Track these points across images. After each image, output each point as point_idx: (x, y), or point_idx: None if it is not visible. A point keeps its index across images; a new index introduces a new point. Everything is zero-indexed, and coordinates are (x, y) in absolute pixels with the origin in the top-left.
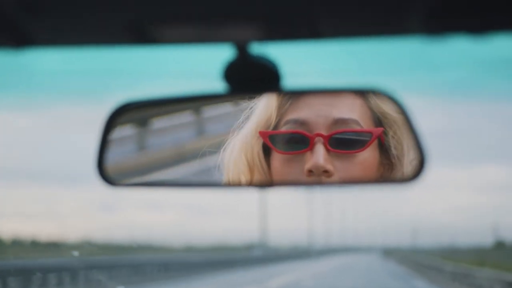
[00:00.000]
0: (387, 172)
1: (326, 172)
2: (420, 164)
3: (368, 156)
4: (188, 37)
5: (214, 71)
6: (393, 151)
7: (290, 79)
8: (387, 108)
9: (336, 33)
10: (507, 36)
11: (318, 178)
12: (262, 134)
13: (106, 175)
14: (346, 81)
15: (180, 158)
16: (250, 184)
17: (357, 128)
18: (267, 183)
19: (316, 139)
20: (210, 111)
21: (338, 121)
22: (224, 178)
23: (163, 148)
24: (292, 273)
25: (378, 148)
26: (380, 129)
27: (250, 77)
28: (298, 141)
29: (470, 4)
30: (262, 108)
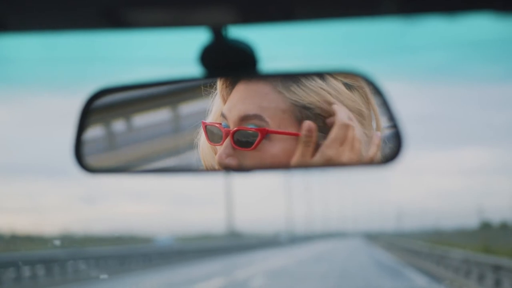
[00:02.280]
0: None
1: (230, 165)
2: (397, 147)
3: (279, 150)
4: (163, 21)
5: (190, 55)
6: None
7: (267, 63)
8: (311, 98)
9: (312, 15)
10: (482, 15)
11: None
12: (203, 123)
13: (83, 162)
14: (324, 64)
15: (160, 151)
16: (214, 169)
17: (260, 122)
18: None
19: (226, 133)
20: (189, 107)
21: (244, 118)
22: (198, 165)
23: (140, 141)
24: (248, 268)
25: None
26: (265, 129)
27: (226, 61)
28: (219, 134)
29: None
30: (216, 100)
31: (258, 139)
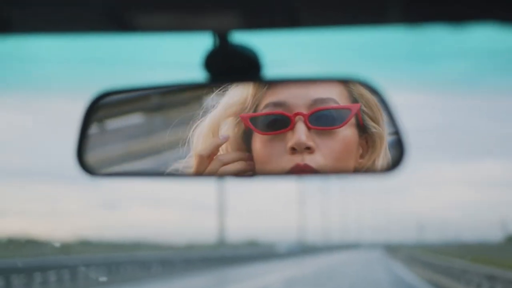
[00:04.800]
0: (365, 154)
1: (308, 148)
2: (399, 156)
3: (348, 133)
4: (168, 25)
5: (195, 60)
6: (372, 131)
7: (271, 68)
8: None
9: (316, 22)
10: (487, 25)
11: (301, 156)
12: (243, 117)
13: (86, 165)
14: (327, 71)
15: (156, 150)
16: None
17: (335, 105)
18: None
19: (297, 118)
20: (192, 112)
21: (317, 101)
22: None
23: (141, 141)
24: None
25: (356, 127)
26: (358, 105)
27: (230, 66)
28: (278, 122)
29: None
30: (236, 93)
31: (350, 115)
